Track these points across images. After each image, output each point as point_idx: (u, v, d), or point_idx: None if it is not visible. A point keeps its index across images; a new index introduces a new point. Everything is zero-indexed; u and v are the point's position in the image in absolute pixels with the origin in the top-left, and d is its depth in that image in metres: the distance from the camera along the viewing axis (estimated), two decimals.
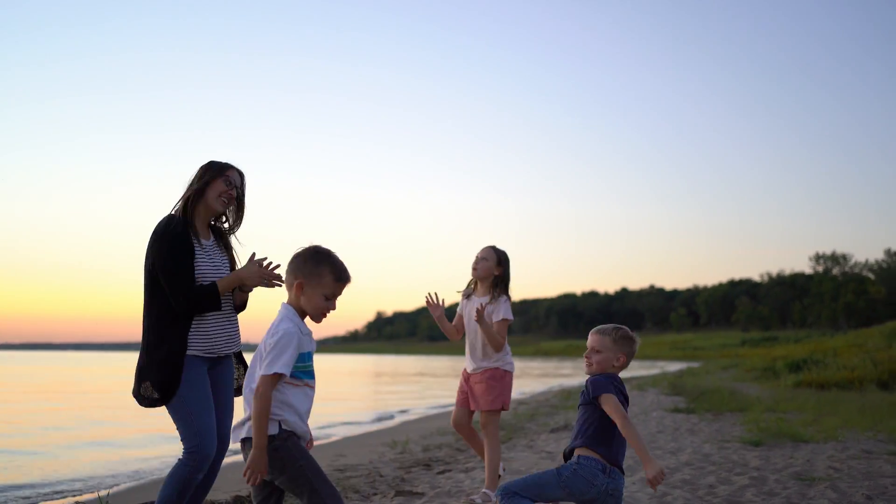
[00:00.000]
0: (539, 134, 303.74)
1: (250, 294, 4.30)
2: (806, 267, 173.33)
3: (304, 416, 3.25)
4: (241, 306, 4.34)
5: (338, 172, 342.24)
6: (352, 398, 25.58)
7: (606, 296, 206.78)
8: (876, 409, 12.40)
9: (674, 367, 52.73)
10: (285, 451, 3.14)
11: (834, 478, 6.40)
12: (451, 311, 5.82)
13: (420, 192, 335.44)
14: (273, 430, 3.12)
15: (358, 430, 14.17)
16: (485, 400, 5.55)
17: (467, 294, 5.81)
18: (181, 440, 4.04)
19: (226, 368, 4.27)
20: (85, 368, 58.06)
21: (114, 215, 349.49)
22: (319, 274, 3.29)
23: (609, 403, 3.71)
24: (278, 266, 4.06)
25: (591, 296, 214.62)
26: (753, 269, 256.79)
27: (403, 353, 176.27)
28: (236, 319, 4.30)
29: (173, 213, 4.23)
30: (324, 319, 3.35)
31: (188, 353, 4.05)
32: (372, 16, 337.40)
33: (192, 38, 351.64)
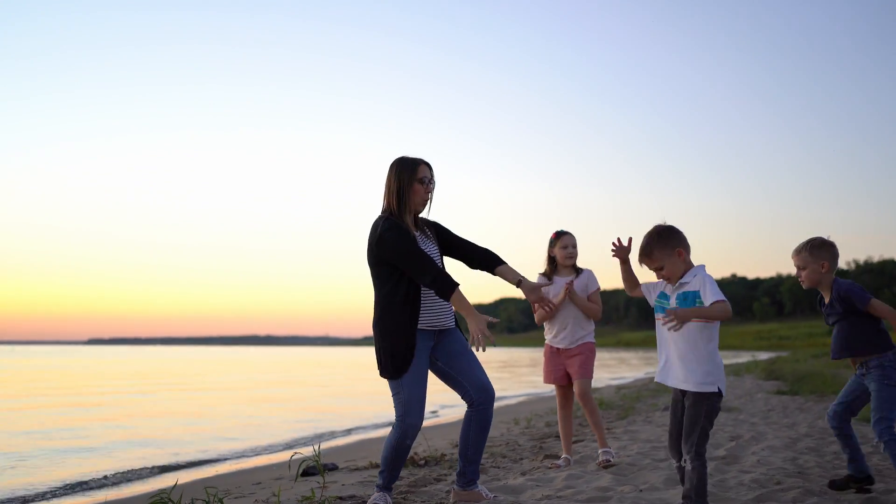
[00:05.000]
0: (626, 128, 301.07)
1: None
2: None
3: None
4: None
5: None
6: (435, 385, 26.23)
7: None
8: None
9: (761, 356, 52.27)
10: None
11: None
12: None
13: (472, 179, 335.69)
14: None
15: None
16: (584, 370, 6.02)
17: (548, 277, 6.15)
18: (394, 407, 4.55)
19: (454, 334, 4.71)
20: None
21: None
22: None
23: (877, 306, 4.51)
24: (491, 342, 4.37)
25: None
26: (840, 256, 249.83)
27: None
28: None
29: (382, 213, 4.67)
30: None
31: (419, 327, 4.53)
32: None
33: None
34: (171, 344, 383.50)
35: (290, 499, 5.14)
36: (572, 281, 6.05)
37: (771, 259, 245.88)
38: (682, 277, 4.02)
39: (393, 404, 4.55)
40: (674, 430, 4.14)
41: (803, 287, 4.78)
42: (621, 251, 4.35)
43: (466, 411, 4.69)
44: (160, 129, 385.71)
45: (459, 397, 4.71)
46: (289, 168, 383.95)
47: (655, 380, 4.28)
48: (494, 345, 4.37)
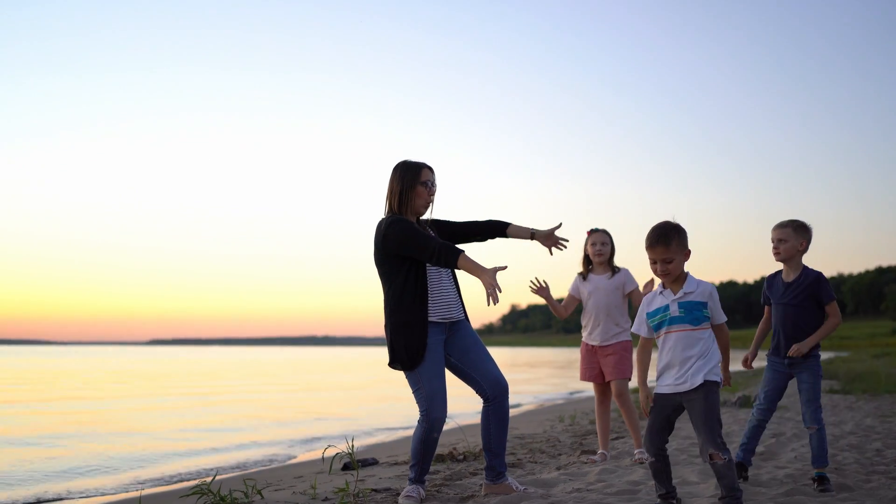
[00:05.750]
0: (686, 130, 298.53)
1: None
2: None
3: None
4: None
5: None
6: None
7: (745, 285, 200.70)
8: None
9: (822, 356, 51.33)
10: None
11: None
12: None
13: (554, 183, 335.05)
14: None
15: (517, 411, 14.79)
16: (619, 370, 6.02)
17: (583, 275, 6.19)
18: (416, 403, 4.65)
19: (465, 328, 4.79)
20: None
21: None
22: None
23: (835, 306, 4.82)
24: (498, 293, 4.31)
25: (730, 285, 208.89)
26: (888, 257, 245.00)
27: (540, 346, 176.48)
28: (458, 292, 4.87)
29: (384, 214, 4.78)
30: None
31: (429, 320, 4.62)
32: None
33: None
34: (230, 344, 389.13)
35: (326, 490, 5.27)
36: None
37: (831, 258, 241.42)
38: (684, 283, 3.98)
39: (415, 400, 4.64)
40: (656, 425, 4.07)
41: (776, 259, 4.97)
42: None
43: (483, 407, 4.78)
44: (217, 130, 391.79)
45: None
46: (342, 171, 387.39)
47: (671, 391, 4.04)
48: (501, 293, 4.26)
